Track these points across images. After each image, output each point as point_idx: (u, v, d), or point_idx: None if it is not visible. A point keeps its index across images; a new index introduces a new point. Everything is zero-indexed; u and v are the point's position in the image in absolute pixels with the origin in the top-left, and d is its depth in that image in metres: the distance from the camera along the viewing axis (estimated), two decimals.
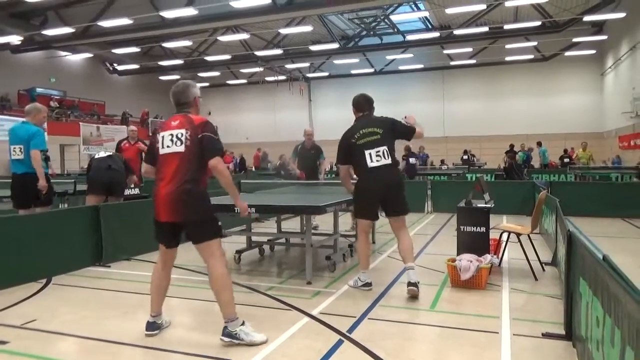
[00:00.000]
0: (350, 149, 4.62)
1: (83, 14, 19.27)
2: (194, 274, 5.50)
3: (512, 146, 19.35)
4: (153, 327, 3.57)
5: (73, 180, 9.19)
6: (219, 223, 3.53)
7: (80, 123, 22.15)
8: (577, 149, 19.89)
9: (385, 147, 4.53)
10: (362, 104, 4.79)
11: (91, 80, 27.94)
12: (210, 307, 3.84)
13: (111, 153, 7.26)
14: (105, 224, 6.01)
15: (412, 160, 14.85)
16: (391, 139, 4.62)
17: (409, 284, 4.37)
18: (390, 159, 4.55)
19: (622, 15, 19.19)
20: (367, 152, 4.51)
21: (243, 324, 3.43)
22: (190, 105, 3.60)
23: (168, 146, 3.43)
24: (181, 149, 3.38)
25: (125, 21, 17.74)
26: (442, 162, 23.90)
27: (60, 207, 8.18)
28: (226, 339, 3.37)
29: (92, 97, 27.62)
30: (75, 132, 21.62)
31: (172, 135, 3.42)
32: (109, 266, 5.90)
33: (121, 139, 9.43)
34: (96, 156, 7.09)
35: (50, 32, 19.67)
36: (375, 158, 4.50)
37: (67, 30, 19.38)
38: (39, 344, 3.48)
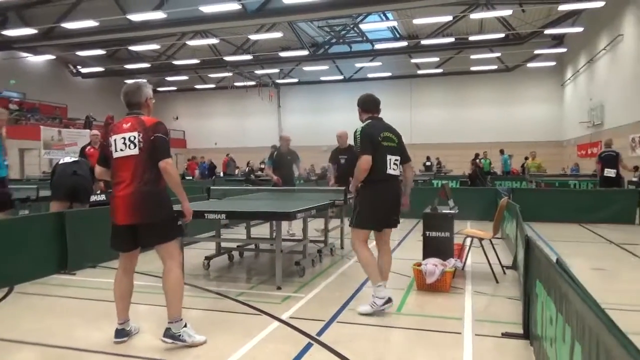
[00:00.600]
0: (375, 144, 4.18)
1: (46, 15, 18.80)
2: (160, 280, 5.44)
3: (477, 155, 19.98)
4: (122, 334, 3.55)
5: (35, 186, 8.90)
6: (179, 223, 3.56)
7: (41, 126, 21.49)
8: (537, 157, 20.61)
9: (400, 158, 4.35)
10: (369, 105, 4.48)
11: (53, 83, 27.23)
12: None
13: (77, 158, 7.12)
14: (71, 230, 5.88)
15: None
16: None
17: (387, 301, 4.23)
18: (399, 171, 4.42)
19: (580, 29, 20.15)
20: (388, 157, 4.23)
21: (185, 325, 3.46)
22: (142, 106, 3.59)
23: (122, 150, 3.42)
24: (135, 152, 3.39)
25: (90, 23, 17.41)
26: None
27: (20, 213, 7.93)
28: (168, 340, 3.40)
29: (54, 99, 26.90)
30: (35, 136, 20.96)
31: (124, 138, 3.42)
32: (74, 274, 5.78)
33: (84, 145, 9.18)
34: (61, 161, 6.94)
35: (10, 32, 19.09)
36: (393, 166, 4.27)
37: (28, 31, 18.85)
38: (0, 353, 3.40)
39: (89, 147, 8.73)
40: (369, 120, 4.38)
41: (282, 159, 8.69)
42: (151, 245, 3.51)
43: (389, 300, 4.14)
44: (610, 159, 10.84)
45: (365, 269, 4.30)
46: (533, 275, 3.37)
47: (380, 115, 4.50)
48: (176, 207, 3.66)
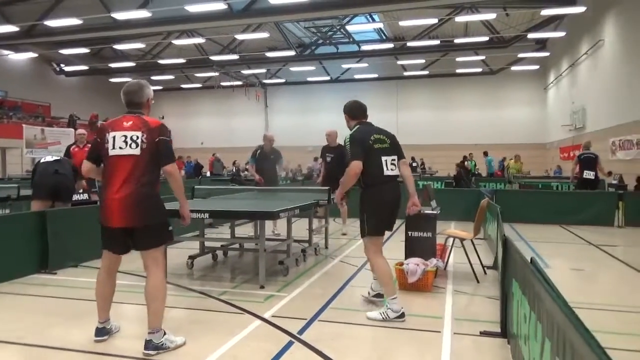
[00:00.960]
0: (366, 148, 4.11)
1: (28, 12, 18.51)
2: (144, 280, 5.42)
3: (465, 157, 20.22)
4: (102, 332, 3.52)
5: (17, 185, 8.79)
6: (170, 228, 3.53)
7: (24, 125, 21.16)
8: (522, 159, 20.92)
9: (396, 157, 4.27)
10: (356, 111, 4.45)
11: (36, 81, 26.81)
12: None
13: (59, 157, 7.04)
14: (52, 230, 5.83)
15: None
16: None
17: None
18: (398, 170, 4.30)
19: (562, 34, 20.50)
20: (383, 158, 4.16)
21: (165, 333, 3.37)
22: (143, 106, 3.52)
23: (121, 147, 3.31)
24: (137, 151, 3.30)
25: (74, 21, 17.20)
26: None
27: (0, 212, 7.83)
28: (152, 352, 3.26)
29: (37, 98, 26.51)
30: (17, 135, 20.64)
31: (125, 136, 3.31)
32: (55, 273, 5.73)
33: (70, 144, 9.11)
34: (42, 160, 6.86)
35: None
36: (390, 167, 4.18)
37: (10, 28, 18.55)
38: None
39: (74, 147, 8.67)
40: (358, 126, 4.35)
41: (265, 158, 8.69)
42: (144, 249, 3.40)
43: (402, 315, 4.01)
44: (589, 161, 11.03)
45: (380, 280, 4.18)
46: (510, 275, 3.44)
47: (368, 120, 4.47)
48: (169, 207, 3.62)
